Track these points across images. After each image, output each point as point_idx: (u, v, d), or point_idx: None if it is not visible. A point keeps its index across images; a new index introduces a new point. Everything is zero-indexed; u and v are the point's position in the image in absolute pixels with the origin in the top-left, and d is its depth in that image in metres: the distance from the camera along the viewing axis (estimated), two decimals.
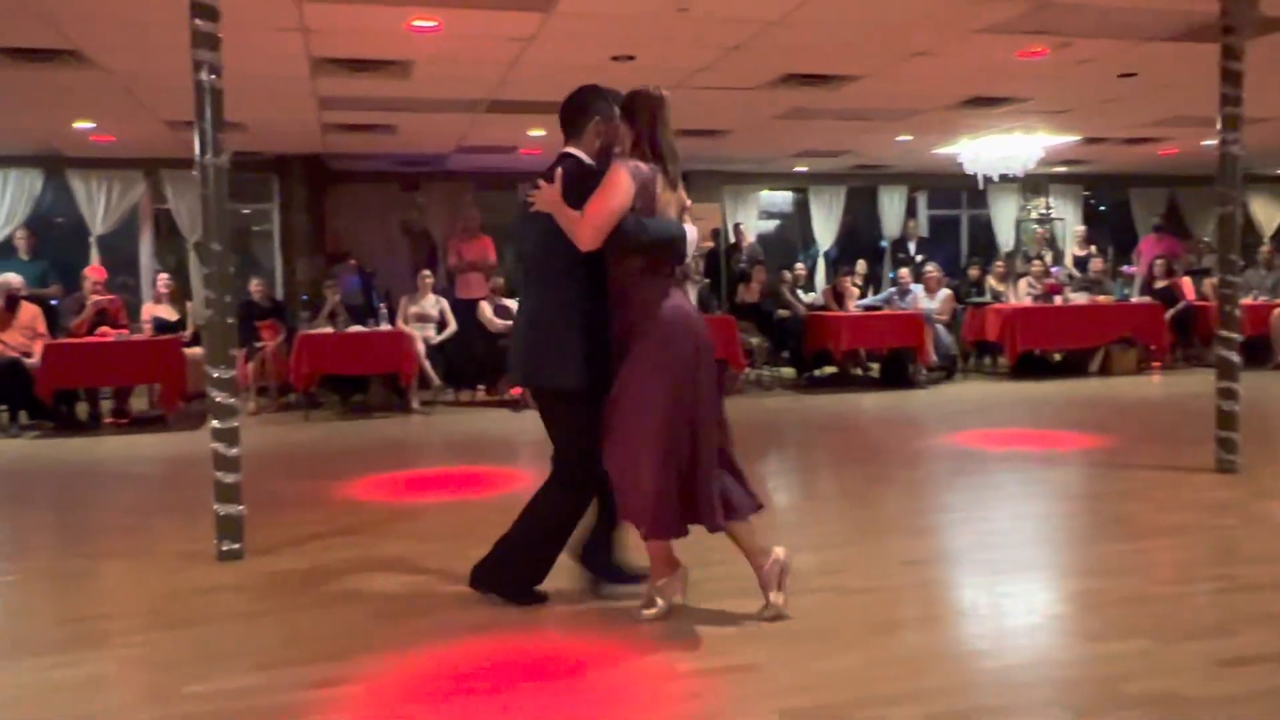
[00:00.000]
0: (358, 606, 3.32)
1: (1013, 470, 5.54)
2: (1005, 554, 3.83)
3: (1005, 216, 13.98)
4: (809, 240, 13.71)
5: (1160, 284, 11.18)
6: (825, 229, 13.42)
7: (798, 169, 12.69)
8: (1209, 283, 10.48)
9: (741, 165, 12.27)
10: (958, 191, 13.87)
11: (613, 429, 3.04)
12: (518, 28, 5.83)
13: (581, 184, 3.07)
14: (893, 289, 10.53)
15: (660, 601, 3.11)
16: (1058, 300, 10.31)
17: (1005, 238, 13.94)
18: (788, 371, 10.38)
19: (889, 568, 3.67)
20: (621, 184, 3.01)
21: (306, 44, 6.07)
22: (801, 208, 13.70)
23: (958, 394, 9.07)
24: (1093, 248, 12.39)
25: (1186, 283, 11.15)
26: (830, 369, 10.04)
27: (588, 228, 2.99)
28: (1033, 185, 13.78)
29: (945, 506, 4.74)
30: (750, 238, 12.27)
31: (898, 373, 9.70)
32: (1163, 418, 7.79)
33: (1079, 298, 10.56)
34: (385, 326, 8.44)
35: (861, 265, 11.67)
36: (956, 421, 7.34)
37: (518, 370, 3.27)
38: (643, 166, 3.08)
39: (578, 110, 3.23)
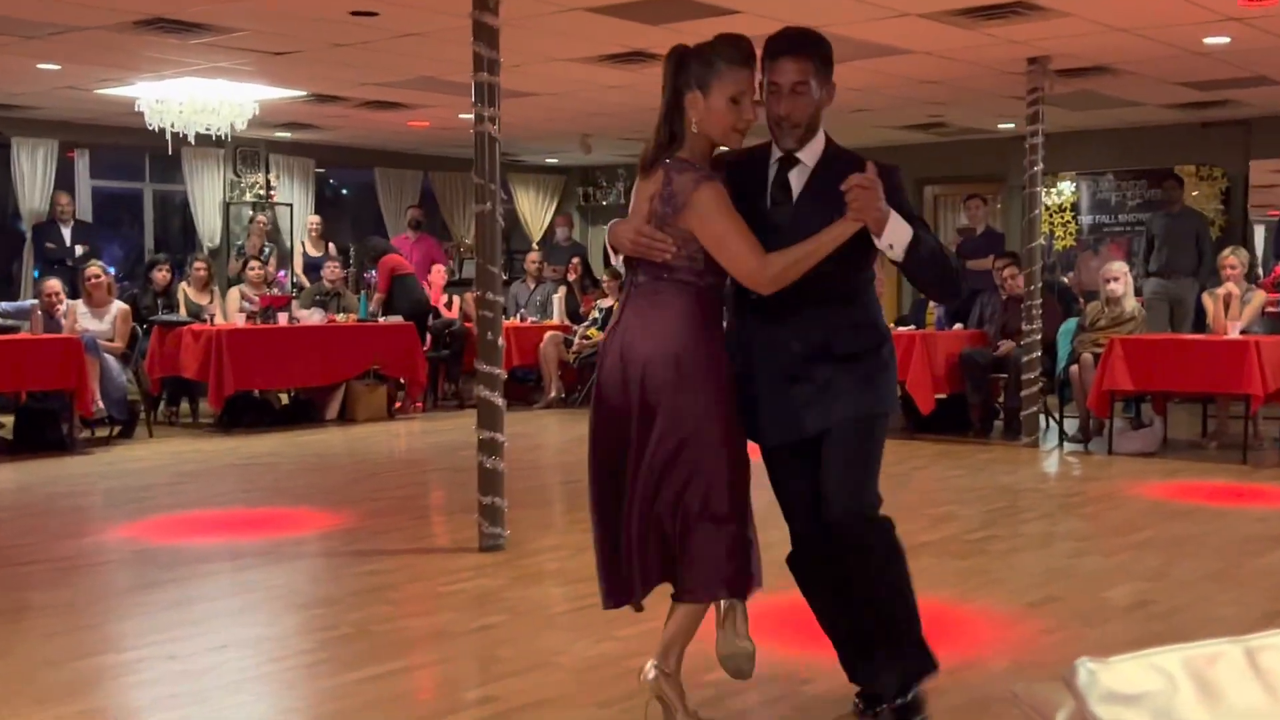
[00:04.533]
0: None
1: (218, 574, 5.58)
2: (201, 709, 3.77)
3: (210, 196, 14.23)
4: None
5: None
6: None
7: None
8: (470, 298, 11.91)
9: None
10: (139, 154, 13.75)
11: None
12: None
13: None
14: (34, 299, 10.00)
15: None
16: (283, 319, 10.77)
17: (210, 227, 14.19)
18: None
19: None
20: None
21: None
22: None
23: (139, 459, 8.98)
24: (331, 246, 13.26)
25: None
26: None
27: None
28: (247, 154, 14.28)
29: (115, 643, 4.55)
30: None
31: (43, 429, 9.22)
32: (422, 479, 8.57)
33: (312, 316, 11.17)
34: None
35: None
36: (136, 502, 7.23)
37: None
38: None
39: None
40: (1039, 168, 9.79)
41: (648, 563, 3.34)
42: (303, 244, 13.60)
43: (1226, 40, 8.80)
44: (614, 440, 3.37)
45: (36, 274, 11.62)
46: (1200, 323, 9.67)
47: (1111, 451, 9.17)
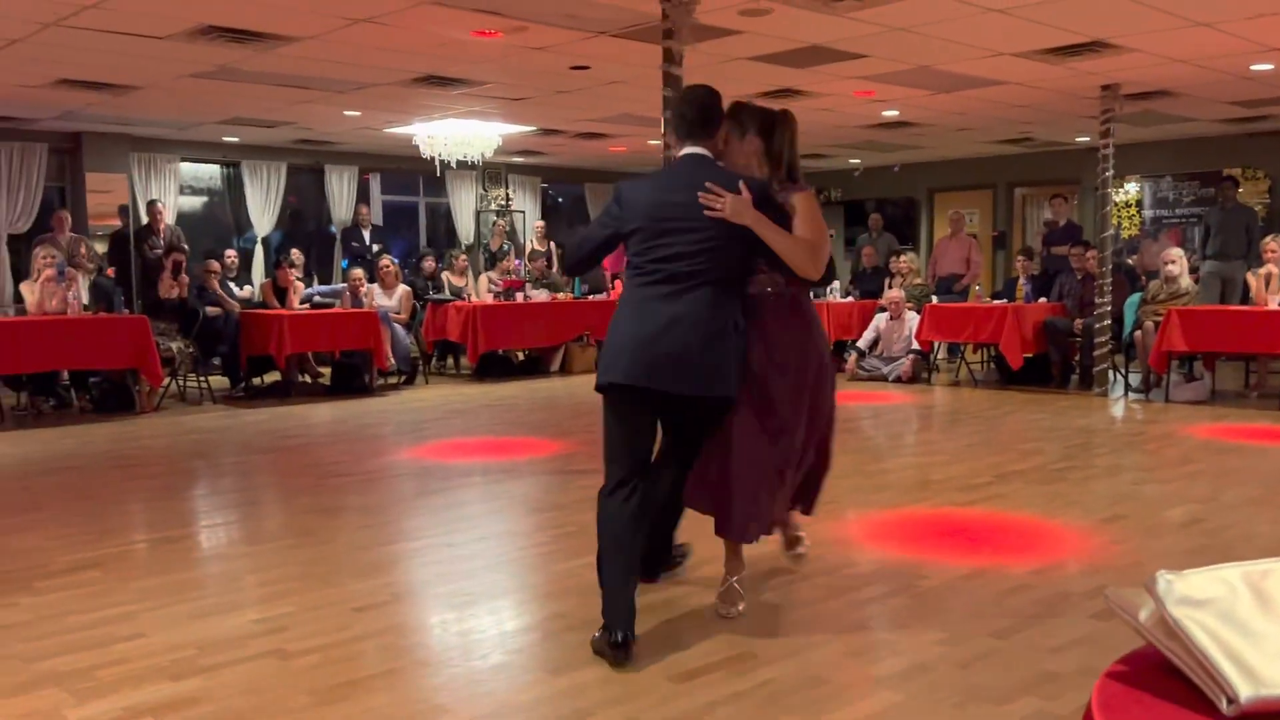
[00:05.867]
0: None
1: (478, 485, 5.74)
2: (470, 584, 3.91)
3: (465, 206, 14.59)
4: (244, 223, 13.01)
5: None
6: (263, 211, 12.83)
7: (228, 138, 11.96)
8: None
9: (155, 129, 11.23)
10: (415, 176, 14.16)
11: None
12: None
13: (769, 202, 3.27)
14: (344, 284, 10.39)
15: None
16: (519, 297, 11.00)
17: (465, 229, 14.55)
18: (219, 381, 9.72)
19: (341, 618, 3.53)
20: (819, 210, 3.38)
21: None
22: (234, 184, 12.94)
23: (418, 401, 9.22)
24: (551, 243, 13.43)
25: None
26: (272, 377, 9.60)
27: (817, 259, 3.25)
28: (492, 174, 14.57)
29: (405, 534, 4.73)
30: (169, 218, 11.30)
31: (351, 379, 9.59)
32: None
33: (540, 295, 11.38)
34: None
35: (297, 255, 11.20)
36: (418, 433, 7.46)
37: (690, 381, 3.22)
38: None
39: (714, 112, 3.40)
40: (1110, 173, 9.34)
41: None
42: (531, 241, 13.85)
43: (1270, 67, 8.22)
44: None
45: (345, 264, 12.09)
46: (1248, 297, 9.11)
47: (1168, 400, 8.73)
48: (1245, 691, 0.92)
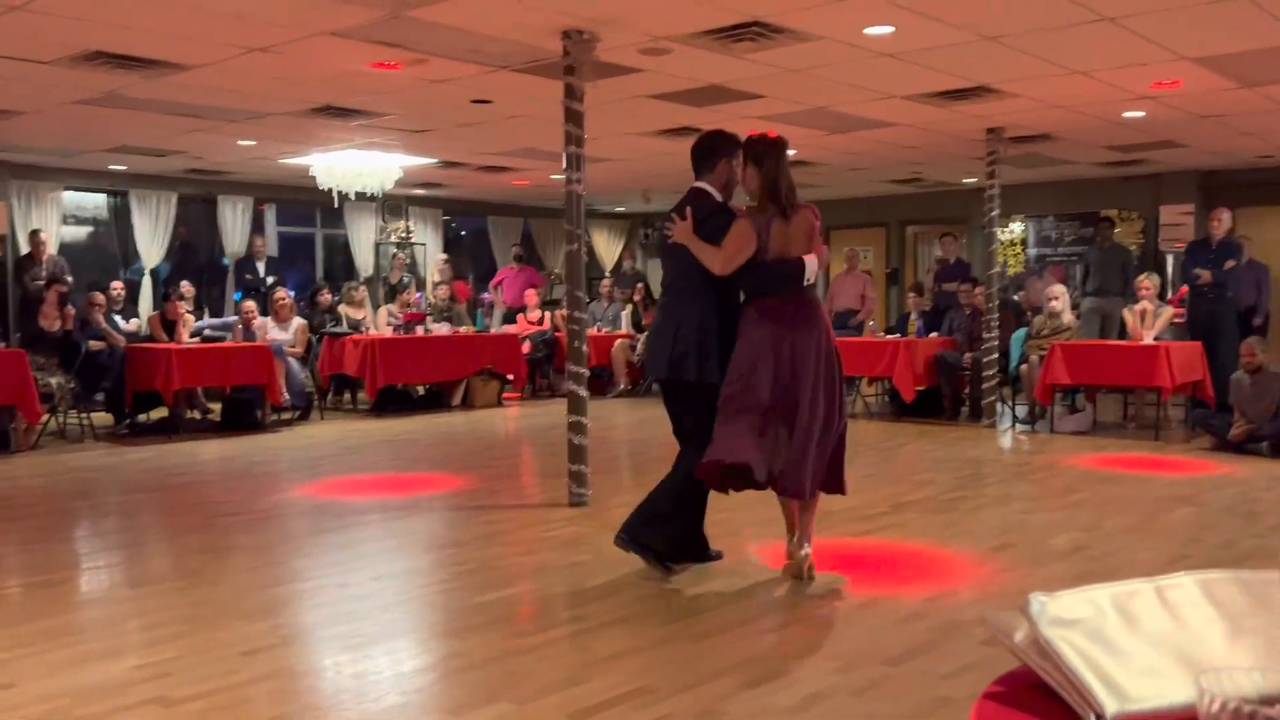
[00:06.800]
0: None
1: (374, 522, 5.63)
2: (365, 624, 3.83)
3: (364, 238, 14.40)
4: (131, 254, 12.60)
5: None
6: (152, 242, 12.46)
7: (115, 167, 11.61)
8: (559, 314, 11.97)
9: (37, 156, 10.85)
10: (312, 207, 13.94)
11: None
12: None
13: (712, 219, 4.25)
14: (236, 316, 10.14)
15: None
16: (419, 330, 10.88)
17: (364, 261, 14.35)
18: (103, 418, 9.37)
19: (228, 662, 3.42)
20: (746, 235, 4.18)
21: None
22: (121, 214, 12.54)
23: (313, 437, 9.04)
24: (452, 275, 13.33)
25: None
26: (159, 413, 9.29)
27: (720, 264, 4.17)
28: (392, 206, 14.43)
29: (297, 574, 4.61)
30: (52, 248, 10.90)
31: (243, 415, 9.35)
32: (522, 452, 8.64)
33: (441, 328, 11.27)
34: None
35: (187, 288, 10.94)
36: (312, 469, 7.30)
37: (663, 367, 4.33)
38: (759, 215, 4.22)
39: (709, 151, 4.41)
40: (995, 212, 9.70)
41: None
42: (433, 275, 13.73)
43: (1142, 114, 8.66)
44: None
45: (237, 296, 11.81)
46: (1125, 333, 9.54)
47: (1053, 431, 9.07)
48: (1112, 707, 0.96)
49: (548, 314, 12.84)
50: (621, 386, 12.35)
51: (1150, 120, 8.93)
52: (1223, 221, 9.51)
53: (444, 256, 13.66)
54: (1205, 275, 9.38)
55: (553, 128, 7.11)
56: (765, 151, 4.28)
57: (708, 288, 4.25)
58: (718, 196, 4.39)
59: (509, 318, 13.35)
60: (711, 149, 4.41)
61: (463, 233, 17.09)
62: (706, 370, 4.23)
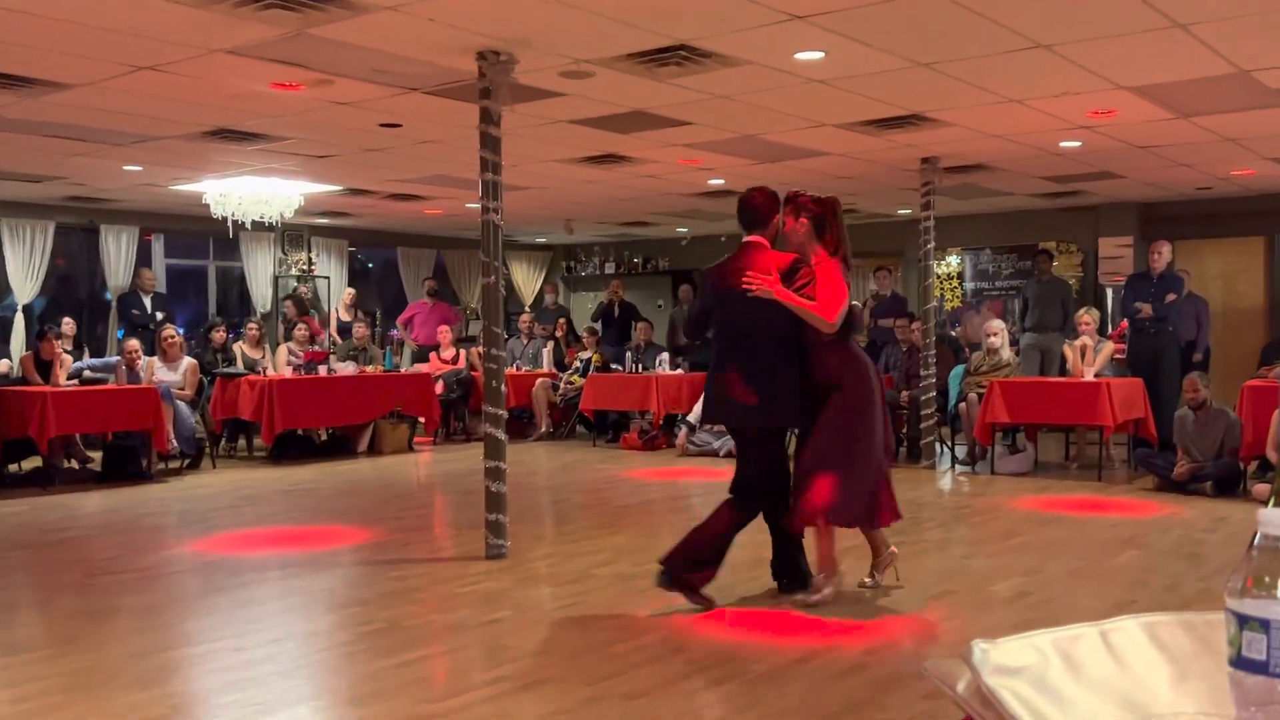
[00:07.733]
0: None
1: (272, 580, 5.52)
2: (262, 691, 3.74)
3: (261, 270, 14.19)
4: (1, 289, 12.25)
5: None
6: (25, 275, 12.13)
7: None
8: (475, 351, 11.91)
9: None
10: (205, 237, 13.71)
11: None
12: None
13: (792, 274, 4.73)
14: (119, 356, 9.90)
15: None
16: (322, 371, 10.73)
17: (262, 295, 14.14)
18: None
19: None
20: (844, 282, 4.73)
21: None
22: None
23: (205, 487, 8.84)
24: (359, 311, 13.21)
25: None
26: (32, 463, 9.00)
27: (836, 315, 4.65)
28: (293, 236, 14.26)
29: (188, 638, 4.49)
30: None
31: (126, 464, 9.12)
32: (435, 501, 8.54)
33: (346, 367, 11.13)
34: None
35: (68, 325, 10.71)
36: (204, 523, 7.14)
37: (739, 415, 4.87)
38: (805, 265, 4.78)
39: (757, 212, 4.92)
40: (931, 245, 9.94)
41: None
42: (337, 310, 13.58)
43: (1078, 144, 8.97)
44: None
45: (120, 334, 11.54)
46: (1065, 369, 9.81)
47: (994, 472, 9.25)
48: None
49: (463, 351, 12.77)
50: (543, 429, 12.30)
51: (1087, 150, 9.25)
52: (1163, 254, 9.86)
53: (350, 291, 13.51)
54: (1146, 309, 9.71)
55: (467, 153, 7.11)
56: (826, 213, 4.87)
57: (791, 338, 4.77)
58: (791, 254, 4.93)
59: (421, 356, 13.23)
60: (758, 209, 4.93)
61: (369, 265, 16.94)
62: (789, 415, 4.86)
